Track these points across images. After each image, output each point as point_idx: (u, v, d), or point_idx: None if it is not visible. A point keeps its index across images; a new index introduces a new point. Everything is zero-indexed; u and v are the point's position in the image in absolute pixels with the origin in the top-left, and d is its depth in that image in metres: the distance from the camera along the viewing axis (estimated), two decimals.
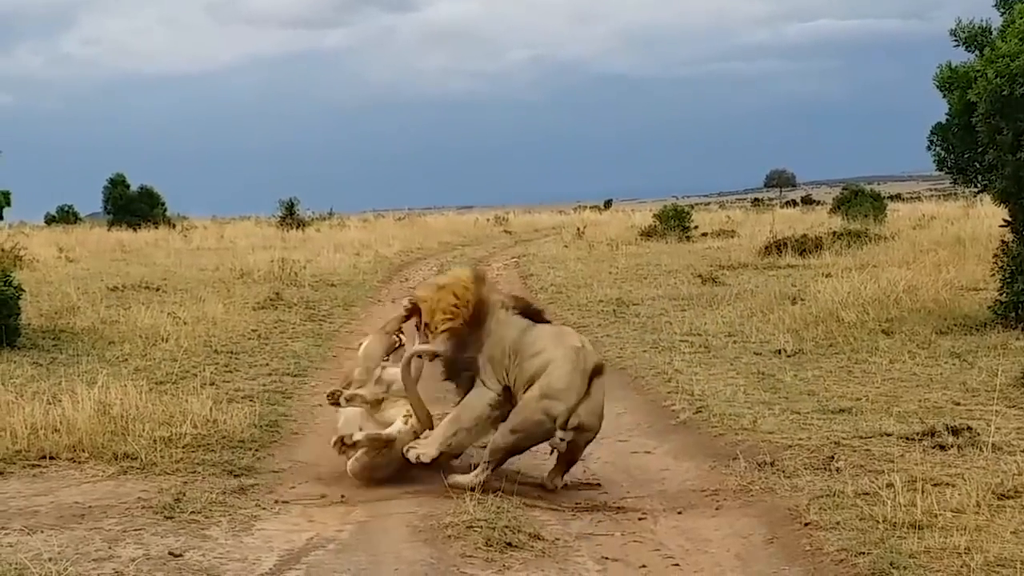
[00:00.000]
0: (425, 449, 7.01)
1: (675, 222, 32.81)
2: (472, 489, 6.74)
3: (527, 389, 6.93)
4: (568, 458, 7.11)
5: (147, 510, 6.43)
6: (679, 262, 23.08)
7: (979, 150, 12.46)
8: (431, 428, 7.16)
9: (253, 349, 12.78)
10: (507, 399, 7.07)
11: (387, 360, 7.82)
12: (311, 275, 21.84)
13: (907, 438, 7.52)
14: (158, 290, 18.95)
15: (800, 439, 7.69)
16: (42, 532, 6.01)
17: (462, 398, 7.19)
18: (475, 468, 7.01)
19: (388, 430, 7.20)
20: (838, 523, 5.85)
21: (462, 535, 5.96)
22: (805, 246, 23.07)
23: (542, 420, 6.82)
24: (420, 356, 7.25)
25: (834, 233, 24.97)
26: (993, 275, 13.01)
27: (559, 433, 6.83)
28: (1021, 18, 11.91)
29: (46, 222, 56.04)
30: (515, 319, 7.21)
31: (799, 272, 19.42)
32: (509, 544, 5.83)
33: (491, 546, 5.80)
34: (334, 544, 5.93)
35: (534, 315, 7.36)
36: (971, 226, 25.15)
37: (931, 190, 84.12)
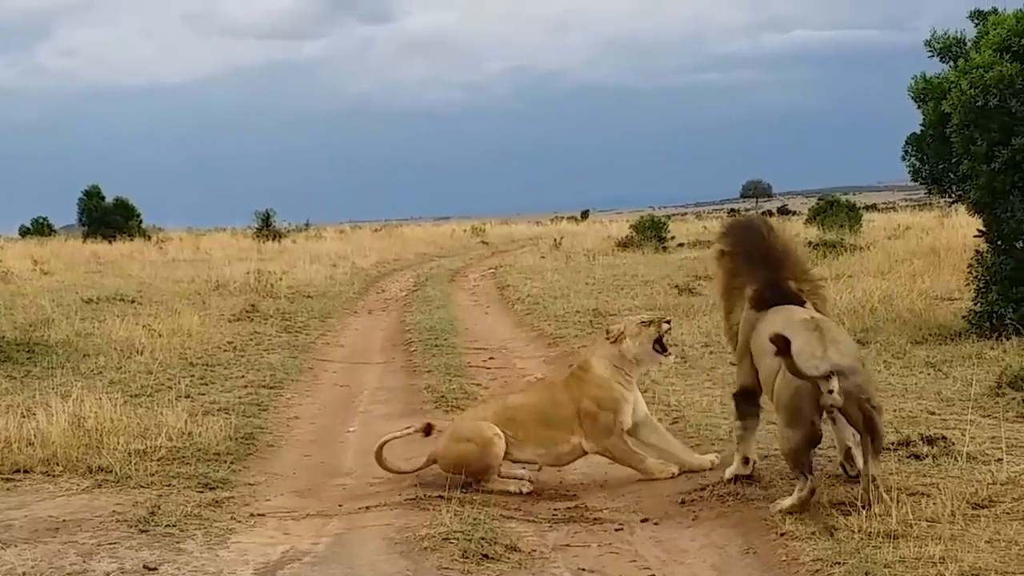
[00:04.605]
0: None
1: (651, 233, 32.98)
2: (804, 504, 6.20)
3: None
4: (866, 424, 6.12)
5: (122, 523, 6.38)
6: (655, 272, 23.12)
7: (953, 161, 12.51)
8: None
9: (229, 361, 12.73)
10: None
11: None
12: (287, 287, 21.82)
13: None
14: (133, 302, 18.87)
15: (776, 449, 7.66)
16: (15, 546, 5.96)
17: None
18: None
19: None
20: (813, 533, 5.86)
21: (438, 547, 5.94)
22: None
23: (798, 388, 6.10)
24: None
25: (810, 243, 25.02)
26: (968, 285, 13.07)
27: (824, 386, 5.97)
28: (995, 29, 12.00)
29: (20, 234, 55.55)
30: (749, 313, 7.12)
31: None
32: (485, 556, 5.81)
33: (467, 558, 5.79)
34: (310, 557, 5.91)
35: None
36: (946, 236, 25.30)
37: (906, 200, 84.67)
